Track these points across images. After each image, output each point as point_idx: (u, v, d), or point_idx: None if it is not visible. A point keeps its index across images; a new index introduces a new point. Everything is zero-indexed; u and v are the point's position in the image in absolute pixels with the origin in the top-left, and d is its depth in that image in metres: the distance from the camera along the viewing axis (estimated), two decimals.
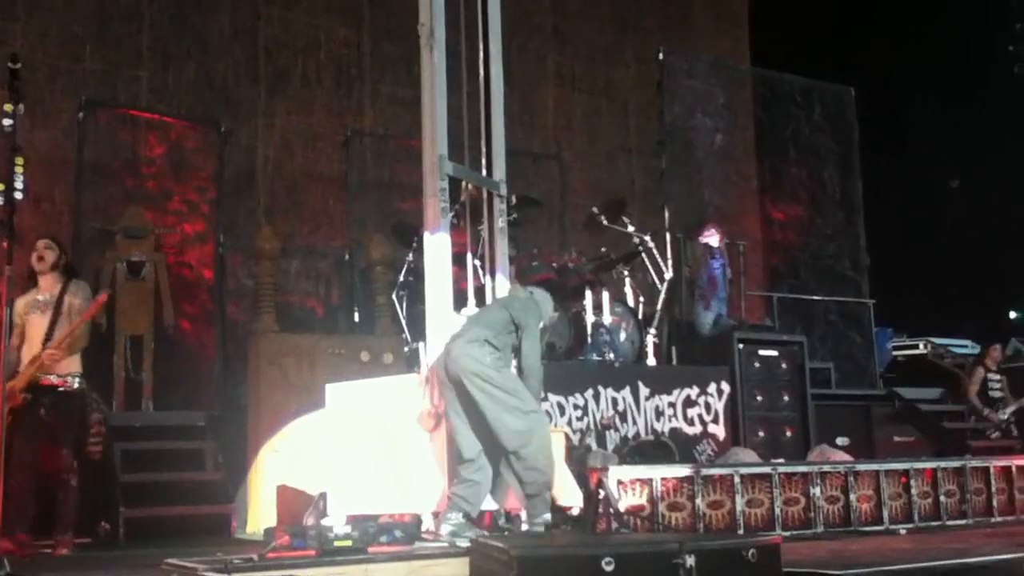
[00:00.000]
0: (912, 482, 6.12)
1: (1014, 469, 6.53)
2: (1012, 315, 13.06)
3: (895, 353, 11.21)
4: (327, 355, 6.97)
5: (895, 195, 12.05)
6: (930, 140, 13.14)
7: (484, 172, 6.15)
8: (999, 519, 6.30)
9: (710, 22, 12.24)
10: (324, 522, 5.30)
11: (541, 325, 5.34)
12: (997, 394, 9.65)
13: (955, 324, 11.95)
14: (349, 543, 4.14)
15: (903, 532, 5.84)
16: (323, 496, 5.63)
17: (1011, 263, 12.34)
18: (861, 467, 6.09)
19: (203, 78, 9.07)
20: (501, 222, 6.12)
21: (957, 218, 13.21)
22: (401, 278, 7.57)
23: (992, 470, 6.45)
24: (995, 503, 6.40)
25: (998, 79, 12.37)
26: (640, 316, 7.83)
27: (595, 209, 8.09)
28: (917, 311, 11.94)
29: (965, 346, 11.45)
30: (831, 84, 10.88)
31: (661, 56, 9.68)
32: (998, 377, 9.76)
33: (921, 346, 10.82)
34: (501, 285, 5.94)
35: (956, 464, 6.40)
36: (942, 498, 6.22)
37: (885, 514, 6.00)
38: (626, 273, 8.03)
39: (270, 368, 6.91)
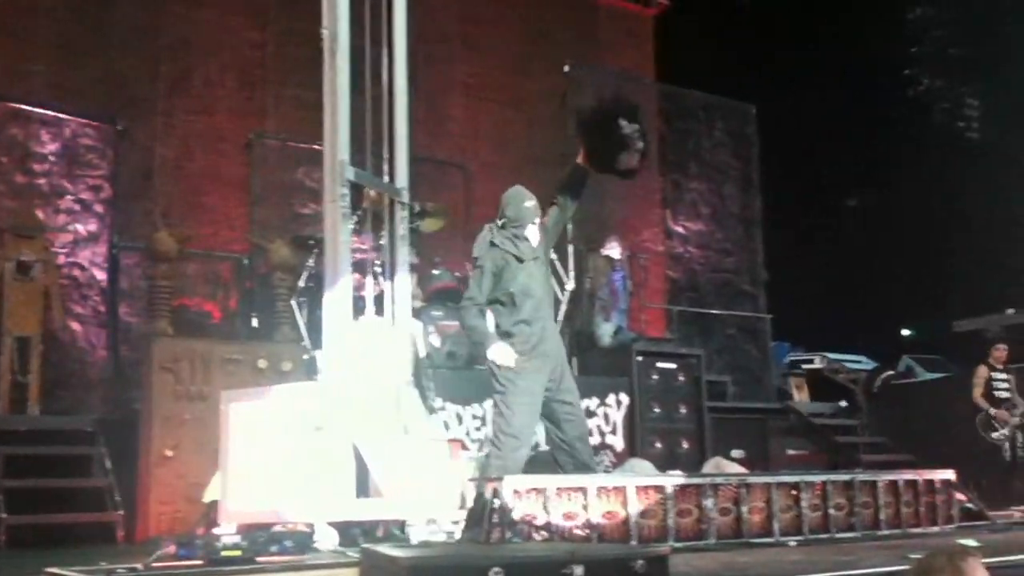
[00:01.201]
0: (802, 495, 6.23)
1: (901, 483, 6.68)
2: (905, 332, 13.47)
3: (792, 368, 11.48)
4: (223, 361, 6.83)
5: (794, 212, 12.36)
6: (829, 159, 13.51)
7: (387, 179, 6.11)
8: (886, 532, 6.44)
9: (616, 36, 12.39)
10: (215, 531, 5.20)
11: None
12: (1004, 394, 9.44)
13: (850, 340, 12.27)
14: (238, 553, 4.06)
15: (793, 544, 5.92)
16: (213, 505, 5.51)
17: (905, 282, 12.75)
18: (753, 480, 6.16)
19: (102, 75, 8.83)
20: (403, 229, 6.09)
21: (854, 236, 13.60)
22: (302, 284, 7.47)
23: (880, 484, 6.59)
24: (882, 516, 6.53)
25: (895, 102, 12.79)
26: None
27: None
28: (813, 326, 12.24)
29: (859, 361, 11.76)
30: (733, 101, 11.12)
31: (567, 69, 9.76)
32: (1004, 377, 9.54)
33: (816, 361, 11.08)
34: (401, 293, 5.90)
35: (845, 478, 6.52)
36: (831, 511, 6.31)
37: (776, 526, 6.08)
38: None
39: (164, 373, 6.73)
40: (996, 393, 9.42)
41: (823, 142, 12.46)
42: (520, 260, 5.80)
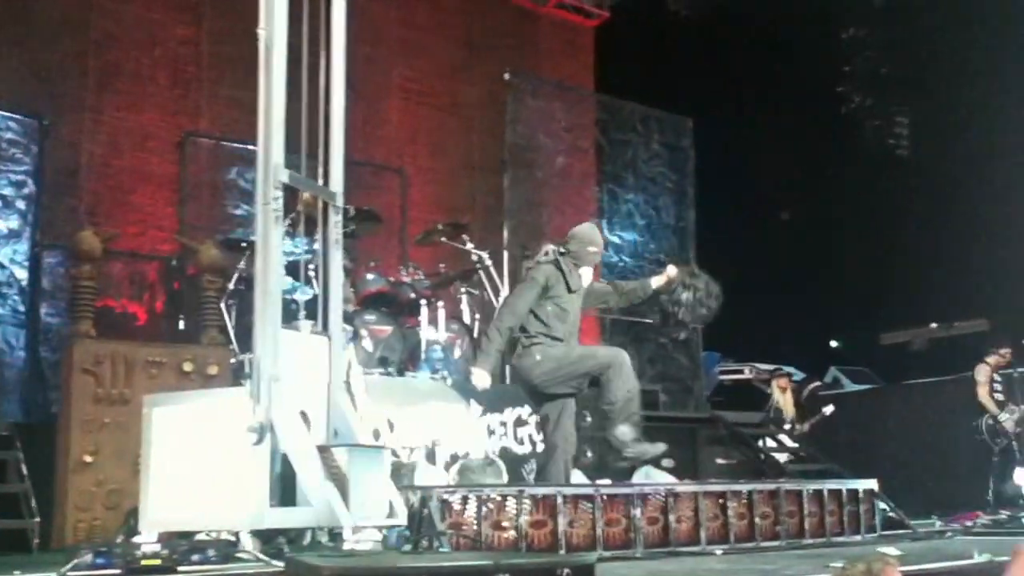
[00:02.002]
0: (729, 504, 6.28)
1: (825, 493, 6.78)
2: (833, 344, 13.70)
3: (721, 377, 11.59)
4: (147, 364, 6.66)
5: (727, 224, 12.49)
6: (763, 173, 13.69)
7: (321, 182, 6.02)
8: (810, 540, 6.52)
9: (556, 45, 12.43)
10: (134, 540, 5.06)
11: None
12: (1000, 396, 9.45)
13: (779, 350, 12.43)
14: (158, 562, 3.97)
15: (719, 553, 5.97)
16: (133, 513, 5.37)
17: (834, 295, 12.96)
18: (681, 489, 6.21)
19: (28, 67, 8.60)
20: (336, 234, 6.01)
21: (786, 249, 13.79)
22: (231, 286, 7.34)
23: (805, 493, 6.68)
24: (807, 525, 6.62)
25: (829, 118, 12.99)
26: (475, 334, 7.83)
27: (438, 226, 8.09)
28: (744, 337, 12.38)
29: (789, 372, 11.91)
30: (670, 113, 11.22)
31: (507, 76, 9.76)
32: (999, 379, 9.57)
33: (746, 371, 11.20)
34: (333, 297, 5.82)
35: (771, 487, 6.60)
36: (757, 520, 6.39)
37: (702, 535, 6.13)
38: (463, 290, 8.02)
39: (84, 375, 6.54)
40: (994, 395, 9.46)
41: (758, 156, 12.64)
42: (569, 290, 6.18)
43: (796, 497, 6.66)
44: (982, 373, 9.51)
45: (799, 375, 11.55)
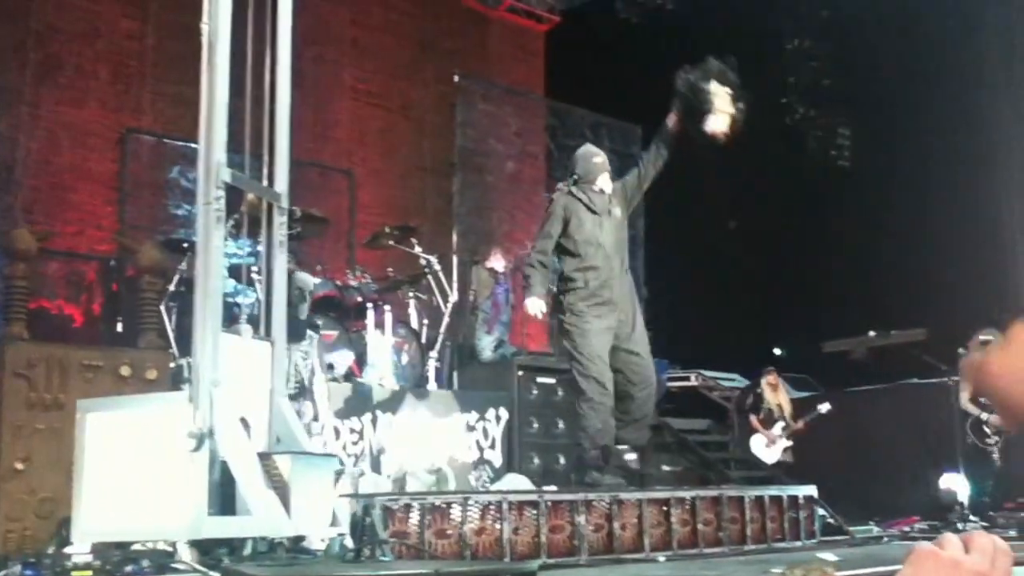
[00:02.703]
0: (672, 511, 6.27)
1: (767, 499, 6.81)
2: (777, 352, 13.81)
3: (669, 384, 11.60)
4: (82, 368, 6.47)
5: (676, 232, 12.52)
6: (710, 182, 13.75)
7: (266, 182, 5.91)
8: (751, 547, 6.54)
9: (507, 50, 12.39)
10: (66, 550, 4.90)
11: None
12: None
13: (724, 358, 12.50)
14: (89, 573, 3.83)
15: (662, 560, 5.96)
16: (66, 522, 5.20)
17: (779, 302, 13.06)
18: (625, 496, 6.18)
19: None
20: (281, 235, 5.89)
21: (732, 257, 13.88)
22: (172, 288, 7.16)
23: (747, 500, 6.70)
24: (749, 531, 6.64)
25: (774, 129, 13.09)
26: (423, 339, 7.75)
27: (386, 229, 7.99)
28: (690, 344, 12.42)
29: (733, 379, 11.98)
30: (620, 120, 11.22)
31: (457, 79, 9.69)
32: None
33: (692, 378, 11.24)
34: (277, 301, 5.71)
35: (714, 493, 6.61)
36: (700, 526, 6.38)
37: (646, 542, 6.12)
38: (411, 295, 7.93)
39: (16, 379, 6.33)
40: (982, 399, 9.24)
41: (705, 165, 12.66)
42: (592, 211, 6.14)
43: (738, 503, 6.68)
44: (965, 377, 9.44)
45: (743, 382, 11.60)
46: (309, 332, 6.74)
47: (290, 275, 6.59)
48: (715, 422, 10.58)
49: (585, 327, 6.05)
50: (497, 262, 8.70)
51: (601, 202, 6.23)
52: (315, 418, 6.48)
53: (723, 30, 12.07)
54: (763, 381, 10.41)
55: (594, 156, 6.37)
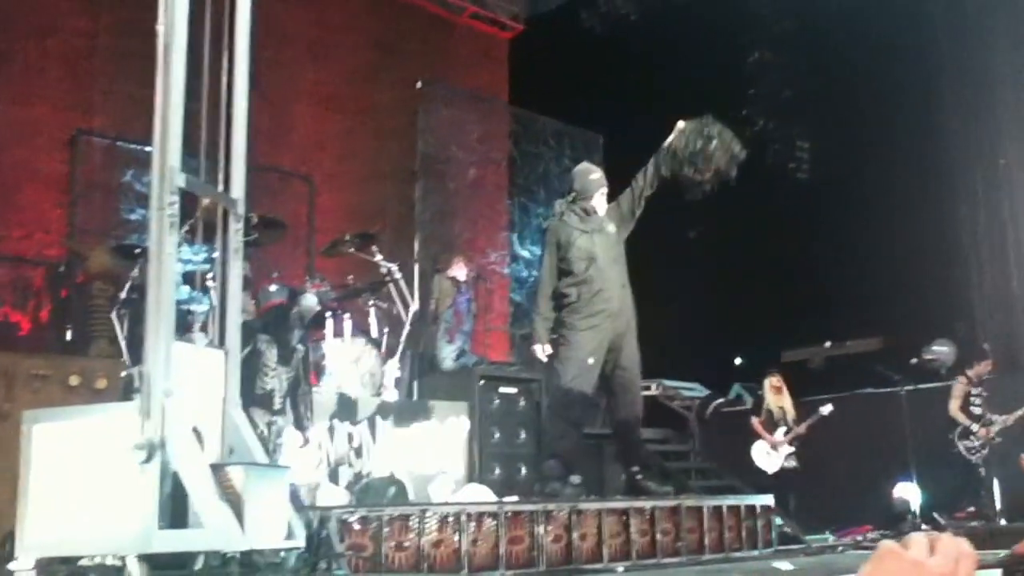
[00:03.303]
0: (631, 521, 6.23)
1: (724, 509, 6.80)
2: (738, 361, 13.83)
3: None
4: (29, 377, 6.27)
5: (636, 240, 12.49)
6: (670, 191, 13.73)
7: (222, 187, 5.78)
8: (709, 556, 6.53)
9: (471, 55, 12.32)
10: (9, 566, 4.74)
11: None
12: (978, 410, 9.31)
13: (686, 367, 12.48)
14: None
15: (620, 570, 5.92)
16: (9, 536, 5.03)
17: (739, 312, 13.07)
18: (584, 506, 6.13)
19: None
20: (236, 242, 5.76)
21: (693, 267, 13.89)
22: (123, 295, 6.98)
23: (705, 509, 6.68)
24: (707, 541, 6.62)
25: (741, 141, 13.11)
26: (383, 348, 7.63)
27: (346, 236, 7.87)
28: (651, 352, 12.37)
29: (694, 388, 11.95)
30: (582, 129, 11.18)
31: (420, 84, 9.59)
32: (979, 392, 9.38)
33: (653, 387, 11.18)
34: (232, 309, 5.57)
35: (672, 503, 6.57)
36: (659, 536, 6.36)
37: (605, 552, 6.07)
38: (371, 303, 7.81)
39: None
40: (972, 408, 9.35)
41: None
42: (583, 230, 6.29)
43: (696, 513, 6.68)
44: (957, 387, 9.44)
45: (703, 391, 11.59)
46: (298, 347, 6.59)
47: (295, 296, 6.50)
48: (675, 431, 10.54)
49: (572, 337, 6.14)
50: (459, 271, 8.60)
51: (594, 219, 6.37)
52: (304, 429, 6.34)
53: (686, 41, 12.10)
54: (766, 382, 10.07)
55: (591, 173, 6.55)
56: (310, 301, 6.73)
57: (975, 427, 9.22)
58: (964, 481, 9.27)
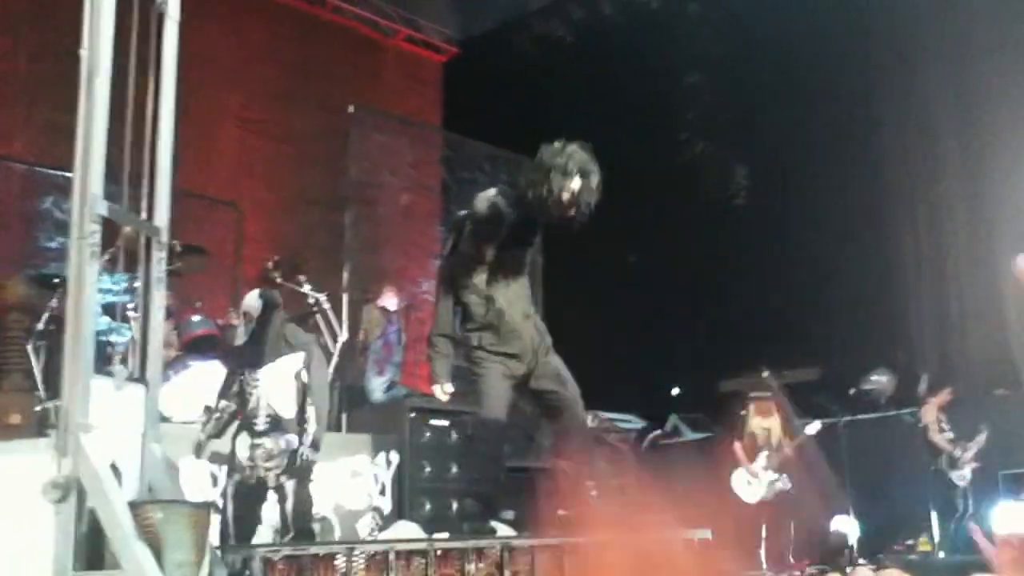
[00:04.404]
0: (566, 557, 6.16)
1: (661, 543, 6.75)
2: (675, 391, 13.84)
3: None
4: None
5: (573, 269, 12.48)
6: (607, 218, 13.76)
7: (145, 215, 5.62)
8: None
9: (402, 80, 12.25)
10: None
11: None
12: (950, 435, 9.23)
13: (623, 398, 12.44)
14: None
15: None
16: None
17: (676, 342, 13.09)
18: (517, 543, 6.04)
19: None
20: (159, 272, 5.61)
21: (629, 295, 13.90)
22: (41, 326, 6.76)
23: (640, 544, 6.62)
24: None
25: (671, 165, 13.19)
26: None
27: (270, 264, 7.70)
28: (588, 384, 12.31)
29: (630, 420, 11.91)
30: (516, 154, 11.14)
31: (351, 109, 9.47)
32: (945, 418, 9.30)
33: (589, 420, 11.08)
34: (153, 340, 5.41)
35: (608, 538, 6.50)
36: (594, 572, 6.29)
37: None
38: None
39: None
40: (944, 435, 9.28)
41: (602, 201, 12.66)
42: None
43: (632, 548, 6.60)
44: (928, 414, 9.36)
45: (640, 423, 11.55)
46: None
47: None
48: (611, 465, 10.45)
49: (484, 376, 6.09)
50: (389, 300, 8.48)
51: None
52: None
53: (620, 65, 12.15)
54: (751, 404, 9.48)
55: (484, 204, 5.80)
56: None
57: (958, 452, 9.14)
58: (911, 512, 9.28)
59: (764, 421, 9.33)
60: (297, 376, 5.99)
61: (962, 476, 9.15)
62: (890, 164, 10.75)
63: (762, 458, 9.14)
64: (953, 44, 9.96)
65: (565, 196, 5.57)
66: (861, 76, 10.74)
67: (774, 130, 11.42)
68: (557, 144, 5.65)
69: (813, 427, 9.20)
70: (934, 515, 9.27)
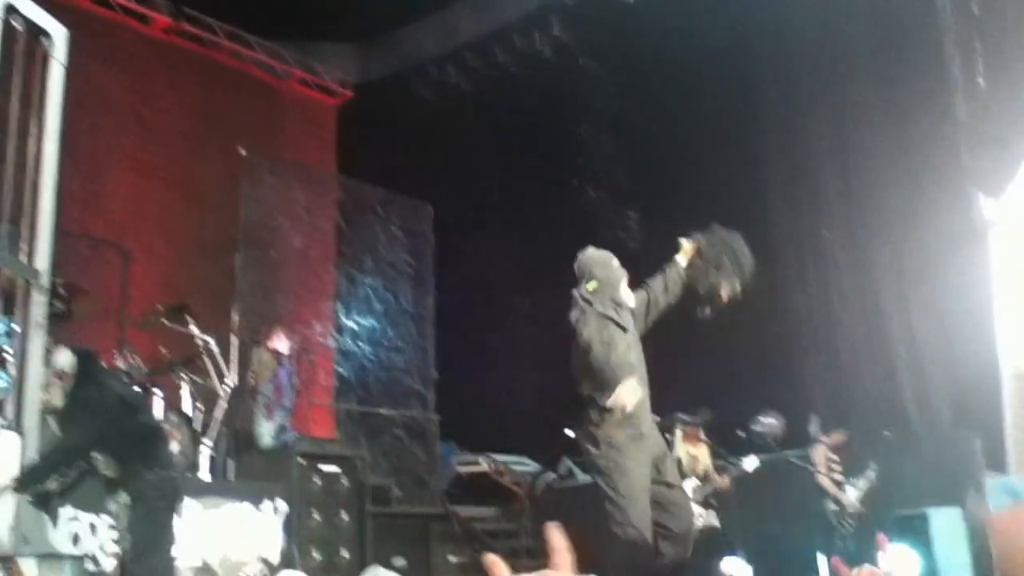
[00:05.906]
0: None
1: None
2: (570, 433, 13.84)
3: (459, 469, 11.34)
4: None
5: (467, 312, 12.50)
6: (501, 260, 13.87)
7: (25, 258, 5.49)
8: None
9: (297, 124, 12.19)
10: None
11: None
12: (839, 477, 9.02)
13: (517, 440, 12.42)
14: None
15: None
16: None
17: (569, 384, 13.13)
18: None
19: None
20: (39, 316, 5.47)
21: (523, 338, 13.93)
22: None
23: None
24: None
25: (567, 210, 13.32)
26: (196, 426, 7.32)
27: (159, 307, 7.56)
28: (480, 427, 12.30)
29: (524, 463, 11.87)
30: (411, 198, 11.16)
31: (244, 153, 9.39)
32: (836, 459, 9.07)
33: (482, 462, 11.05)
34: (31, 386, 5.25)
35: None
36: None
37: None
38: (184, 377, 7.50)
39: None
40: (833, 476, 9.14)
41: (496, 244, 12.78)
42: (623, 329, 5.32)
43: None
44: (818, 456, 9.15)
45: (534, 466, 11.53)
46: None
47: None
48: (504, 509, 10.40)
49: (625, 464, 5.33)
50: (281, 343, 8.36)
51: (628, 317, 5.42)
52: None
53: (516, 112, 12.28)
54: (678, 433, 9.08)
55: (612, 259, 5.64)
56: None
57: (845, 494, 9.03)
58: (798, 553, 9.33)
59: (692, 448, 9.12)
60: None
61: (849, 518, 9.32)
62: (777, 214, 11.02)
63: (689, 486, 8.66)
64: (836, 92, 10.27)
65: (724, 295, 5.75)
66: (748, 126, 11.01)
67: (663, 175, 11.65)
68: (738, 243, 5.77)
69: (751, 462, 8.78)
70: (821, 558, 9.40)
